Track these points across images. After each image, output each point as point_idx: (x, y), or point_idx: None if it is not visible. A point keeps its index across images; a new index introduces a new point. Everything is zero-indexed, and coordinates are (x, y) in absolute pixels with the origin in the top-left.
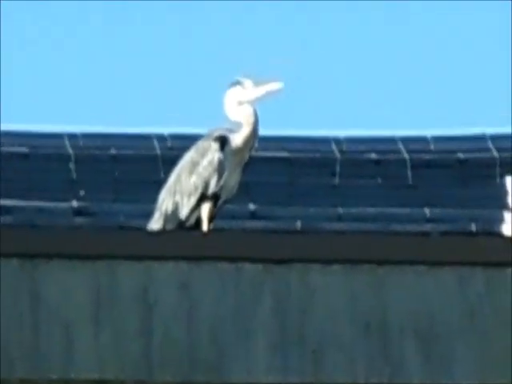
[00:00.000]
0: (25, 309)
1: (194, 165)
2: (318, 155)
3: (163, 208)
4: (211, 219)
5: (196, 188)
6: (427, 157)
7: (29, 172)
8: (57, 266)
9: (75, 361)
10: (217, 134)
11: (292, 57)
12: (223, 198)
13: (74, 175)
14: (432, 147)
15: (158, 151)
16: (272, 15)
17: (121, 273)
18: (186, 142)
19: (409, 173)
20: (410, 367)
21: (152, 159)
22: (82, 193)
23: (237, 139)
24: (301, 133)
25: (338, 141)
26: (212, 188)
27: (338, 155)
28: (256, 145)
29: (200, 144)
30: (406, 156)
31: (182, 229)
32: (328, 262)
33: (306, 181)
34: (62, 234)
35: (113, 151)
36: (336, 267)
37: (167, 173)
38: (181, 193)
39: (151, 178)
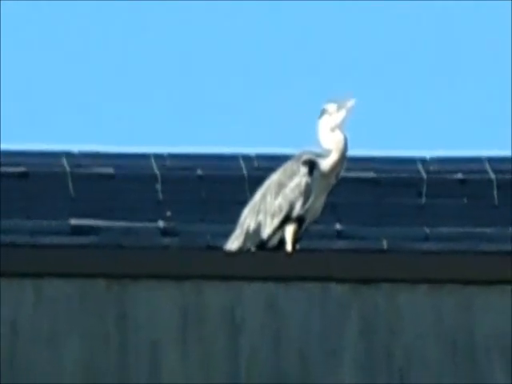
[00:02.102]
0: (112, 329)
1: (281, 186)
2: (404, 175)
3: (245, 226)
4: (295, 241)
5: (281, 209)
6: None
7: (115, 192)
8: (144, 287)
9: (162, 381)
10: (306, 157)
11: (378, 73)
12: (308, 220)
13: (161, 196)
14: None
15: (245, 171)
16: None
17: (208, 293)
18: (272, 162)
19: (495, 192)
20: None
21: (238, 179)
22: (168, 213)
23: (325, 164)
24: (387, 153)
25: (424, 161)
26: (297, 211)
27: (424, 175)
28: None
29: (288, 166)
30: (492, 176)
31: (267, 249)
32: (415, 281)
33: (393, 201)
34: (149, 254)
35: (199, 171)
36: (423, 287)
37: (253, 193)
38: (265, 212)
39: (237, 199)
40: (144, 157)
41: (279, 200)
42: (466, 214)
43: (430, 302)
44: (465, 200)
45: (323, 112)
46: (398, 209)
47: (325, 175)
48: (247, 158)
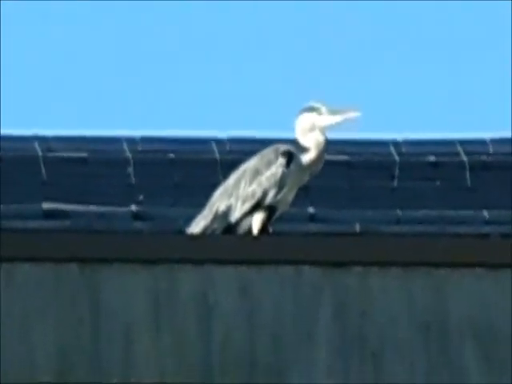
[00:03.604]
0: (85, 313)
1: (257, 173)
2: (376, 158)
3: (215, 207)
4: (262, 228)
5: (253, 196)
6: (486, 159)
7: (87, 177)
8: (116, 271)
9: (135, 365)
10: (285, 148)
11: (352, 56)
12: (279, 211)
13: (133, 180)
14: (490, 149)
15: (217, 155)
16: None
17: (180, 277)
18: (244, 145)
19: (467, 175)
20: (469, 370)
21: (211, 163)
22: (140, 197)
23: (303, 159)
24: (359, 136)
25: (396, 143)
26: (269, 199)
27: (396, 158)
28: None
29: (266, 154)
30: (465, 158)
31: (238, 233)
32: (387, 264)
33: (365, 184)
34: (121, 238)
35: (171, 155)
36: (395, 270)
37: (226, 176)
38: (237, 197)
39: (210, 182)
40: (116, 140)
41: (253, 186)
42: (439, 197)
43: (402, 284)
44: (437, 182)
45: (310, 108)
46: (370, 192)
47: (302, 169)
48: (219, 142)
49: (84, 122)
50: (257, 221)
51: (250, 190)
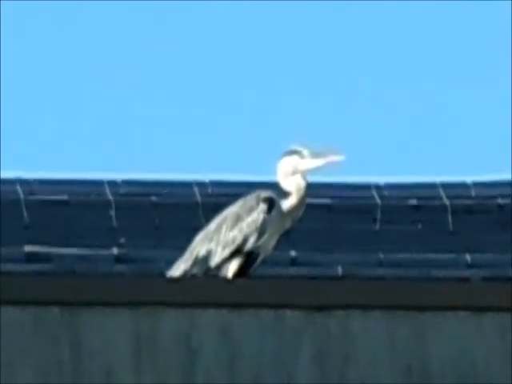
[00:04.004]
0: (66, 356)
1: (238, 219)
2: (358, 201)
3: (195, 251)
4: (240, 273)
5: (234, 241)
6: (468, 202)
7: (68, 219)
8: (98, 314)
9: None
10: (266, 195)
11: (333, 98)
12: (261, 257)
13: (115, 222)
14: (472, 193)
15: (199, 198)
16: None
17: (162, 320)
18: (226, 188)
19: (449, 218)
20: None
21: (192, 206)
22: (122, 240)
23: (284, 205)
24: (341, 179)
25: (378, 187)
26: (249, 245)
27: (378, 201)
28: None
29: (248, 201)
30: (447, 202)
31: (220, 277)
32: (369, 308)
33: (347, 227)
34: (103, 281)
35: (153, 198)
36: (377, 313)
37: (208, 219)
38: (217, 242)
39: (192, 225)
40: (98, 183)
41: (234, 232)
42: (421, 240)
43: (384, 328)
44: (419, 226)
45: (292, 152)
46: (352, 235)
47: (283, 215)
48: (201, 185)
49: (66, 165)
50: (233, 266)
51: (230, 235)
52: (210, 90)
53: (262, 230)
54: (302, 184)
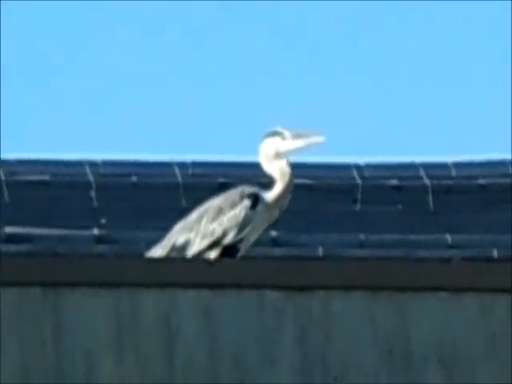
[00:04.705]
0: (47, 336)
1: (220, 213)
2: (339, 182)
3: (173, 239)
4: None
5: (213, 234)
6: (448, 183)
7: (50, 200)
8: (79, 294)
9: None
10: (250, 190)
11: (314, 77)
12: (242, 251)
13: (96, 203)
14: (453, 173)
15: (180, 179)
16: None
17: (143, 300)
18: (207, 169)
19: (430, 199)
20: None
21: (173, 186)
22: (103, 220)
23: (269, 196)
24: (322, 159)
25: (358, 167)
26: (228, 239)
27: (359, 181)
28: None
29: (231, 195)
30: (427, 182)
31: (200, 258)
32: (350, 288)
33: (328, 207)
34: (84, 261)
35: (134, 179)
36: (358, 294)
37: (188, 200)
38: (196, 232)
39: (172, 206)
40: (79, 164)
41: (214, 225)
42: (401, 221)
43: (365, 308)
44: (400, 206)
45: (273, 133)
46: (333, 215)
47: (269, 208)
48: (182, 165)
49: (46, 146)
50: (212, 256)
51: (210, 227)
52: (192, 69)
53: (242, 226)
54: (287, 170)
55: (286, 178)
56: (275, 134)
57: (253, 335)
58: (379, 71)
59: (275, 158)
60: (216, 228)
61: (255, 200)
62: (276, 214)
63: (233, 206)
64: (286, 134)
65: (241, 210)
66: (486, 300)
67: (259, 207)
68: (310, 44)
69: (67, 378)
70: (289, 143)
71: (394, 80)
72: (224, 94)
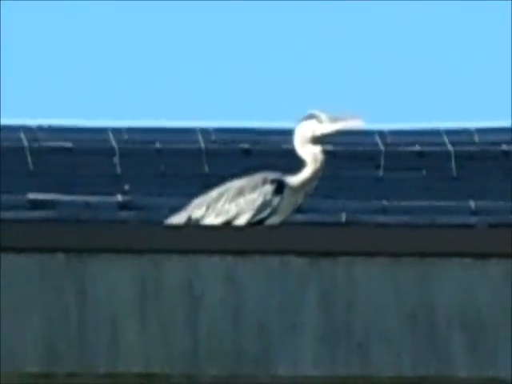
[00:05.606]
0: (71, 303)
1: (239, 194)
2: (361, 148)
3: (189, 212)
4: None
5: (227, 213)
6: (471, 149)
7: (73, 166)
8: (102, 261)
9: (121, 355)
10: (273, 177)
11: (339, 45)
12: None
13: (119, 169)
14: (476, 139)
15: (203, 145)
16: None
17: (166, 267)
18: (230, 135)
19: (453, 165)
20: (456, 360)
21: (196, 153)
22: (126, 187)
23: (294, 181)
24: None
25: (382, 133)
26: (241, 221)
27: (382, 147)
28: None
29: (255, 179)
30: (450, 148)
31: (225, 223)
32: (373, 254)
33: (351, 174)
34: (107, 228)
35: (157, 145)
36: (381, 260)
37: (211, 166)
38: (213, 209)
39: (196, 172)
40: (102, 130)
41: (231, 205)
42: (424, 187)
43: (388, 274)
44: (423, 172)
45: (311, 116)
46: (355, 182)
47: (295, 191)
48: (205, 131)
49: (70, 112)
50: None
51: (226, 207)
52: (216, 37)
53: (258, 210)
54: (320, 156)
55: (318, 165)
56: (312, 116)
57: (276, 301)
58: (402, 37)
59: (310, 141)
60: (231, 208)
61: (279, 186)
62: (301, 197)
63: (253, 189)
64: (323, 117)
65: (259, 194)
66: (510, 266)
67: (286, 192)
68: (327, 8)
69: (91, 345)
70: (325, 126)
71: (417, 46)
72: (248, 60)
